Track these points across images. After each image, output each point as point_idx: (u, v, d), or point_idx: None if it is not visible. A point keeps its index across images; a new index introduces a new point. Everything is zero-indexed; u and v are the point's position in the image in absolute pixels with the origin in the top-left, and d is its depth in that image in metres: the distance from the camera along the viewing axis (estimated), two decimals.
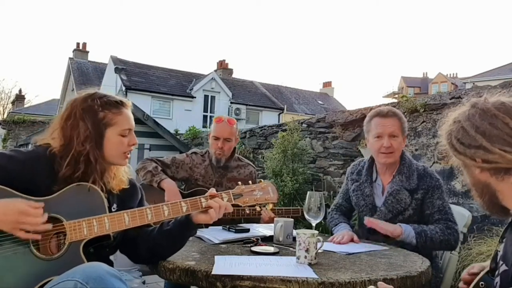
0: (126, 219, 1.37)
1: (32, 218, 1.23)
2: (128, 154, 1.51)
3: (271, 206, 1.65)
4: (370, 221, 1.95)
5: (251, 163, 2.72)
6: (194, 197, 1.48)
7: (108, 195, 1.45)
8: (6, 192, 1.27)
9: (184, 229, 1.50)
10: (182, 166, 2.57)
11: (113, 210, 1.46)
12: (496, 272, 1.08)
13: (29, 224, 1.23)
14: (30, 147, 1.51)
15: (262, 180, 1.67)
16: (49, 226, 1.27)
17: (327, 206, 2.24)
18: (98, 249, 1.39)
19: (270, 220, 2.37)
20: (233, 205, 1.54)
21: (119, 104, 1.49)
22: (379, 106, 4.77)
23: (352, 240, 1.92)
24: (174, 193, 2.34)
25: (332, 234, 2.09)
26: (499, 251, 1.11)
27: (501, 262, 1.07)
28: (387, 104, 4.88)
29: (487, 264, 1.19)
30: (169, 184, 2.38)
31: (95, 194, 1.39)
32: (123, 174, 1.54)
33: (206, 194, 1.49)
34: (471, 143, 1.04)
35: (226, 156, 2.55)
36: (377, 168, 2.15)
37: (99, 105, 1.44)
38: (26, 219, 1.22)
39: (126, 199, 1.54)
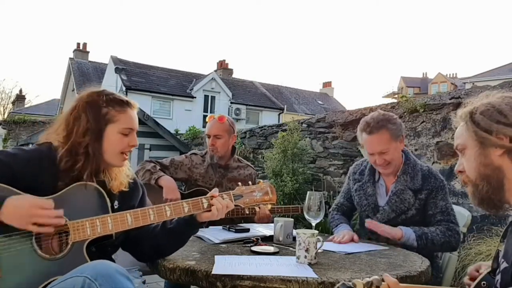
0: (129, 219, 1.38)
1: (45, 211, 1.23)
2: (126, 155, 1.49)
3: (269, 206, 1.65)
4: (371, 223, 1.95)
5: (250, 165, 2.72)
6: (195, 198, 1.48)
7: (109, 193, 1.45)
8: (11, 191, 1.27)
9: (187, 227, 1.51)
10: (181, 167, 2.57)
11: (115, 207, 1.46)
12: (497, 270, 1.08)
13: (42, 217, 1.23)
14: (31, 146, 1.52)
15: (261, 180, 1.68)
16: (63, 221, 1.27)
17: (327, 204, 2.24)
18: (100, 248, 1.39)
19: (265, 216, 2.38)
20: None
21: (124, 103, 1.49)
22: (379, 106, 4.79)
23: (352, 240, 1.93)
24: (172, 190, 2.34)
25: (332, 234, 2.10)
26: (500, 251, 1.11)
27: (502, 260, 1.07)
28: (387, 105, 4.88)
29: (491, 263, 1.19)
30: (167, 181, 2.37)
31: (98, 194, 1.40)
32: (124, 177, 1.53)
33: (208, 195, 1.50)
34: (500, 120, 1.02)
35: (220, 153, 2.52)
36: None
37: (104, 101, 1.46)
38: (39, 212, 1.22)
39: (127, 196, 1.55)
